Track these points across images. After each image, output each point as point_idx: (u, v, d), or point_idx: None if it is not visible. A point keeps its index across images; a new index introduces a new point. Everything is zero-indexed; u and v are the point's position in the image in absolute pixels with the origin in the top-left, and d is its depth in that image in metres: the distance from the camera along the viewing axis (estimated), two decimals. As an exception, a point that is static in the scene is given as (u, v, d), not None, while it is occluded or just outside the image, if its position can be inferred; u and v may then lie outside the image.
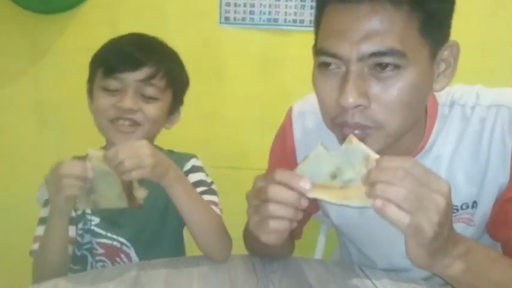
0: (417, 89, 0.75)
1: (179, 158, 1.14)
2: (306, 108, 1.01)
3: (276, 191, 0.69)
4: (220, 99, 1.73)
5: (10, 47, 1.79)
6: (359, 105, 0.73)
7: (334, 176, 0.70)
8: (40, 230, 1.07)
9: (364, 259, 1.05)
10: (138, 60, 1.04)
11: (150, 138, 1.10)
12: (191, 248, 1.22)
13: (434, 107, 0.88)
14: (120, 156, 0.90)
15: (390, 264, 0.99)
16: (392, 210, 0.62)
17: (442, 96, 0.87)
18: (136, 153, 0.91)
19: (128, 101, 1.02)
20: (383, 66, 0.72)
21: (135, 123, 1.04)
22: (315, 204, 1.04)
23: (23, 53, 1.79)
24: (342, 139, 0.75)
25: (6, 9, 1.73)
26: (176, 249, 1.20)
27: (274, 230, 0.72)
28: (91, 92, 1.10)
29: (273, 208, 0.70)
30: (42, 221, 1.09)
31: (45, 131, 1.82)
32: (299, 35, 1.65)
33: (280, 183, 0.69)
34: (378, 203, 0.62)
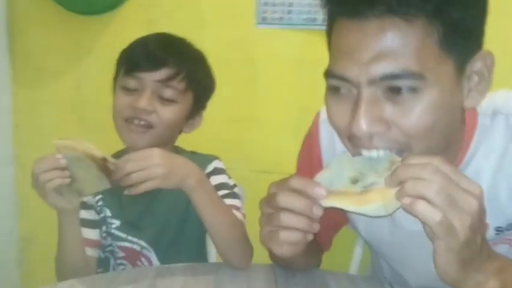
0: (440, 110, 0.66)
1: (201, 160, 1.11)
2: None
3: (287, 198, 0.64)
4: (256, 101, 1.69)
5: (53, 47, 1.84)
6: (374, 133, 0.66)
7: (355, 181, 0.64)
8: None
9: (396, 276, 0.98)
10: (158, 60, 1.02)
11: (165, 141, 1.07)
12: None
13: (473, 116, 0.78)
14: (128, 169, 0.88)
15: (424, 284, 0.91)
16: (423, 206, 0.57)
17: (483, 104, 0.77)
18: (144, 164, 0.88)
19: (144, 102, 1.00)
20: (397, 90, 0.65)
21: (148, 125, 1.02)
22: (344, 214, 0.97)
23: (65, 53, 1.83)
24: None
25: (50, 10, 1.77)
26: (199, 254, 1.18)
27: (286, 242, 0.67)
28: (114, 86, 1.10)
29: (284, 217, 0.65)
30: (81, 223, 1.07)
31: (85, 130, 1.84)
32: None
33: (293, 190, 0.64)
34: (407, 200, 0.57)
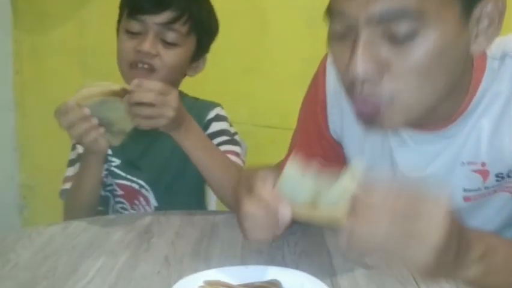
0: (442, 56, 0.62)
1: (204, 106, 1.10)
2: None
3: (252, 210, 0.64)
4: (263, 53, 1.63)
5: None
6: (369, 77, 0.63)
7: (313, 200, 0.62)
8: (70, 171, 1.09)
9: None
10: (161, 2, 1.00)
11: (169, 85, 1.03)
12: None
13: (482, 60, 0.73)
14: (144, 98, 0.86)
15: None
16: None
17: (492, 47, 0.72)
18: (161, 100, 0.86)
19: (147, 45, 0.98)
20: (395, 31, 0.61)
21: (151, 69, 1.00)
22: (341, 165, 0.93)
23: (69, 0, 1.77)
24: (357, 113, 0.68)
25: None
26: (197, 200, 1.18)
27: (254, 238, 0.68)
28: (118, 29, 1.07)
29: (249, 226, 0.66)
30: (72, 163, 1.11)
31: (87, 76, 1.79)
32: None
33: (260, 199, 0.63)
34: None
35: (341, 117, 0.87)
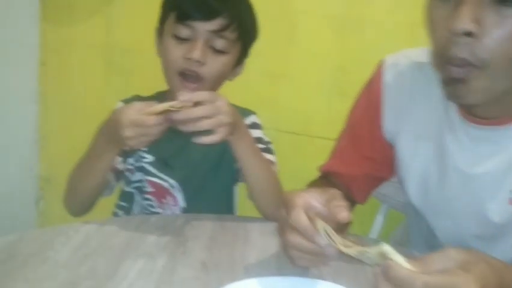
0: None
1: (240, 113, 1.09)
2: (400, 58, 0.93)
3: (296, 240, 0.67)
4: (289, 58, 1.63)
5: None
6: (469, 33, 0.65)
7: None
8: None
9: (429, 237, 0.96)
10: (213, 8, 0.99)
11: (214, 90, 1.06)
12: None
13: None
14: (198, 113, 0.85)
15: (460, 239, 0.89)
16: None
17: None
18: (213, 110, 0.85)
19: (198, 53, 0.98)
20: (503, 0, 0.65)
21: (198, 77, 1.00)
22: (389, 168, 0.96)
23: (98, -8, 1.78)
24: (445, 79, 0.71)
25: None
26: (225, 204, 1.17)
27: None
28: (160, 34, 1.07)
29: (294, 254, 0.68)
30: None
31: (112, 73, 1.81)
32: (385, -5, 1.51)
33: (296, 230, 0.66)
34: None
35: (398, 117, 0.89)
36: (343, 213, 0.66)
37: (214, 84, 1.05)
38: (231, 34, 1.01)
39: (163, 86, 1.08)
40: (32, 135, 1.93)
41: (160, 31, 1.07)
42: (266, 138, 1.11)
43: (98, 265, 0.74)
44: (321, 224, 0.65)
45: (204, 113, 0.84)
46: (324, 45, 1.58)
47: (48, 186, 1.99)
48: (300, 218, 0.66)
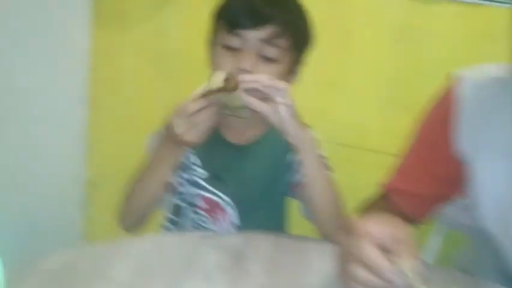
0: None
1: None
2: (477, 73, 0.88)
3: (362, 275, 0.63)
4: (344, 67, 1.57)
5: (138, -9, 1.77)
6: None
7: None
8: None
9: (502, 264, 0.90)
10: (264, 16, 0.95)
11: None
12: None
13: None
14: (278, 99, 0.86)
15: None
16: None
17: None
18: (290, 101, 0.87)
19: (248, 63, 0.94)
20: None
21: None
22: (458, 188, 0.91)
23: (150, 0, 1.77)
24: None
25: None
26: (279, 221, 1.14)
27: None
28: (211, 45, 1.04)
29: None
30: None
31: (161, 81, 1.79)
32: (448, 6, 1.43)
33: (366, 265, 0.63)
34: None
35: (475, 134, 0.84)
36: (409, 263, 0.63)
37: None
38: (283, 42, 0.97)
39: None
40: (80, 140, 1.92)
41: (212, 42, 1.04)
42: (324, 154, 1.07)
43: (155, 285, 0.71)
44: (403, 263, 0.60)
45: (282, 100, 0.87)
46: (381, 55, 1.52)
47: (94, 191, 1.98)
48: (372, 253, 0.63)
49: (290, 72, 1.03)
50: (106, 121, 1.90)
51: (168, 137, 0.91)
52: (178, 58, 1.75)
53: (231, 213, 1.07)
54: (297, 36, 0.99)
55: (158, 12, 1.77)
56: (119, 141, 1.88)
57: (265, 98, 0.89)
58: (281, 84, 0.90)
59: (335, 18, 1.53)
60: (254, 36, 0.95)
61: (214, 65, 1.01)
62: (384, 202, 0.96)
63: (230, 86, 0.87)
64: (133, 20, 1.81)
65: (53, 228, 1.81)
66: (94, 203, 1.99)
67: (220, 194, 1.06)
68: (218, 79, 0.87)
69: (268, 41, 0.95)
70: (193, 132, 0.88)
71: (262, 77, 0.89)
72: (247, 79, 0.88)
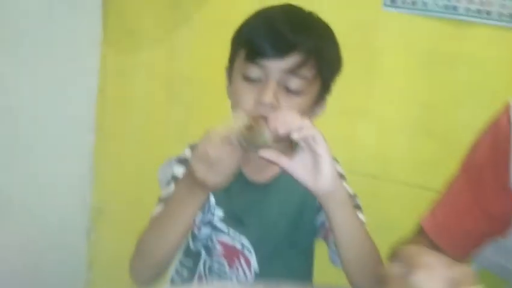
0: None
1: None
2: None
3: None
4: (370, 93, 1.47)
5: (149, 10, 1.70)
6: None
7: None
8: (158, 209, 0.94)
9: None
10: (289, 44, 0.85)
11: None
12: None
13: None
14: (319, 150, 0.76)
15: None
16: None
17: None
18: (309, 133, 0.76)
19: (269, 96, 0.84)
20: None
21: None
22: (507, 225, 0.86)
23: (162, 18, 1.69)
24: None
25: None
26: (304, 267, 1.03)
27: None
28: (230, 73, 0.94)
29: None
30: (163, 201, 0.95)
31: (174, 105, 1.71)
32: (481, 29, 1.33)
33: None
34: None
35: None
36: None
37: None
38: (308, 72, 0.87)
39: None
40: (86, 165, 1.85)
41: (230, 71, 0.94)
42: (351, 191, 0.97)
43: None
44: None
45: (293, 126, 0.76)
46: (409, 81, 1.42)
47: (100, 218, 1.90)
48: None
49: (316, 103, 0.93)
50: (113, 146, 1.83)
51: (189, 180, 0.81)
52: (191, 82, 1.67)
53: (251, 259, 0.96)
54: (324, 64, 0.89)
55: (171, 33, 1.69)
56: (128, 166, 1.80)
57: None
58: (315, 130, 0.78)
59: (360, 41, 1.44)
60: (277, 66, 0.85)
61: (232, 96, 0.92)
62: (420, 241, 0.89)
63: (253, 130, 0.78)
64: (144, 41, 1.74)
65: (58, 256, 1.76)
66: (99, 229, 1.90)
67: (238, 236, 0.96)
68: (240, 121, 0.78)
69: (292, 72, 0.86)
70: (217, 177, 0.78)
71: (293, 119, 0.78)
72: (275, 123, 0.77)
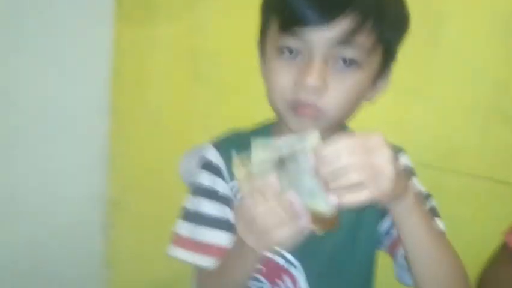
0: None
1: None
2: None
3: None
4: (431, 71, 1.25)
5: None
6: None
7: None
8: (184, 228, 0.80)
9: None
10: (335, 5, 0.66)
11: (341, 121, 0.78)
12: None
13: None
14: (344, 162, 0.57)
15: None
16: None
17: None
18: (372, 169, 0.57)
19: (314, 77, 0.67)
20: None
21: (319, 112, 0.70)
22: None
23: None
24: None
25: None
26: (363, 285, 0.86)
27: None
28: (262, 47, 0.76)
29: None
30: (189, 216, 0.80)
31: (197, 84, 1.53)
32: None
33: None
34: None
35: None
36: None
37: (344, 115, 0.74)
38: (365, 39, 0.68)
39: (262, 101, 0.78)
40: (102, 154, 1.68)
41: (262, 44, 0.76)
42: (425, 190, 0.81)
43: None
44: None
45: (353, 168, 0.57)
46: (480, 54, 1.20)
47: (118, 212, 1.74)
48: None
49: (378, 78, 0.75)
50: (131, 132, 1.66)
51: (239, 243, 0.67)
52: (217, 58, 1.50)
53: (298, 278, 0.80)
54: (386, 24, 0.70)
55: (192, 4, 1.51)
56: (147, 155, 1.64)
57: None
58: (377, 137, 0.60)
59: (420, 4, 1.21)
60: (323, 36, 0.67)
61: (267, 76, 0.74)
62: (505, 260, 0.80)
63: None
64: (162, 14, 1.56)
65: (74, 256, 1.64)
66: (118, 225, 1.74)
67: (283, 252, 0.80)
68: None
69: (345, 41, 0.67)
70: (272, 244, 0.62)
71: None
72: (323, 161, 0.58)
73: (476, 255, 0.93)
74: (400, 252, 0.76)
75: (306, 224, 0.59)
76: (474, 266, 0.91)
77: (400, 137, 1.29)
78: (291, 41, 0.68)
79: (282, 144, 0.60)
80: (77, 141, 1.59)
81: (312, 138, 0.59)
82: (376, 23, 0.68)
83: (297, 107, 0.70)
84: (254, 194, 0.59)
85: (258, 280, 0.80)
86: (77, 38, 1.51)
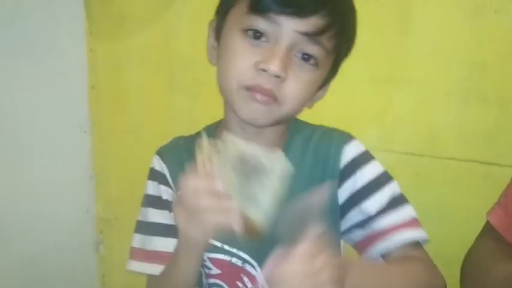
0: None
1: (335, 140, 0.79)
2: None
3: None
4: (406, 59, 1.23)
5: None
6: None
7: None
8: (138, 241, 0.81)
9: None
10: (313, 4, 0.68)
11: (291, 117, 0.77)
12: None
13: None
14: (288, 279, 0.58)
15: None
16: None
17: None
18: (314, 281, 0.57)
19: (277, 63, 0.67)
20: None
21: (274, 100, 0.70)
22: None
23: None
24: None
25: None
26: None
27: None
28: (218, 30, 0.75)
29: None
30: (140, 227, 0.82)
31: (174, 94, 1.52)
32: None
33: None
34: None
35: None
36: None
37: (292, 113, 0.75)
38: (328, 42, 0.70)
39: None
40: (86, 171, 1.67)
41: (218, 26, 0.75)
42: (385, 172, 0.78)
43: None
44: None
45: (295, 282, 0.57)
46: (452, 38, 1.18)
47: (108, 229, 1.73)
48: None
49: (322, 86, 0.78)
50: (113, 146, 1.65)
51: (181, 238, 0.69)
52: (193, 65, 1.48)
53: (256, 276, 0.77)
54: (345, 37, 0.73)
55: (165, 11, 1.49)
56: (131, 168, 1.56)
57: None
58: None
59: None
60: (294, 26, 0.67)
61: (222, 59, 0.73)
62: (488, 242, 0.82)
63: None
64: (134, 24, 1.54)
65: (66, 275, 1.61)
66: (108, 241, 1.74)
67: (235, 251, 0.78)
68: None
69: (313, 37, 0.68)
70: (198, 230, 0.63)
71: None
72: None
73: (464, 238, 0.92)
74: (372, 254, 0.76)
75: (234, 221, 0.59)
76: (462, 247, 0.90)
77: (380, 127, 1.28)
78: (260, 22, 0.68)
79: (249, 149, 0.61)
80: (59, 161, 1.57)
81: (283, 162, 0.60)
82: (340, 30, 0.71)
83: (254, 91, 0.68)
84: (197, 181, 0.59)
85: (217, 285, 0.78)
86: (50, 57, 1.49)
